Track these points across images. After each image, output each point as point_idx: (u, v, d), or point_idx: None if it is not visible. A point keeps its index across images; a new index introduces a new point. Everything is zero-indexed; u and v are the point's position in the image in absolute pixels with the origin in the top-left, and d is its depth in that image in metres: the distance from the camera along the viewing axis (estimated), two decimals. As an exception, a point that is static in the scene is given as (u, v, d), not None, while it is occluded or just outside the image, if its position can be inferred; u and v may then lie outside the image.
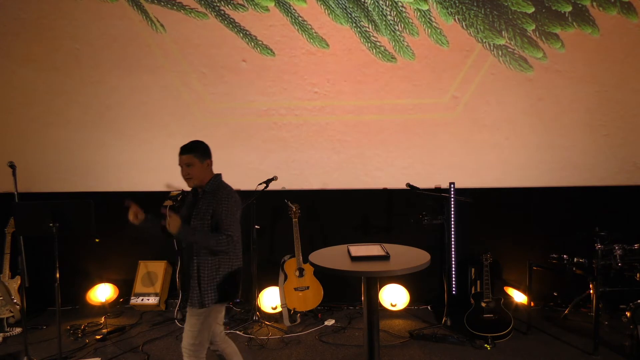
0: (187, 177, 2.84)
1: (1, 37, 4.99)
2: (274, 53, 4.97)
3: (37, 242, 4.45)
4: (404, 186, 4.67)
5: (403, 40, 4.91)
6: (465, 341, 4.08)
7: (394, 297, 4.80)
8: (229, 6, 4.92)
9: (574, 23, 4.83)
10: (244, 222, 4.89)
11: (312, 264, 2.65)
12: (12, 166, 3.81)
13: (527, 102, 4.93)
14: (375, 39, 4.92)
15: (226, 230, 2.75)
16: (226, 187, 2.90)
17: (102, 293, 5.01)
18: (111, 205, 5.03)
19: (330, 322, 4.55)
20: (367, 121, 5.02)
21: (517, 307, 4.75)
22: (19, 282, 4.55)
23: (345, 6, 4.89)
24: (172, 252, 4.92)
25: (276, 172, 4.74)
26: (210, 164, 2.93)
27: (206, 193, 2.85)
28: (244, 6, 4.92)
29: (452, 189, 4.85)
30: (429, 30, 4.88)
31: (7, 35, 4.99)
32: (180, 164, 2.85)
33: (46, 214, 3.43)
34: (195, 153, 2.85)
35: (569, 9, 4.81)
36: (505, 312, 4.20)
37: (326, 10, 4.90)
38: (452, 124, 4.98)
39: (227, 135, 5.08)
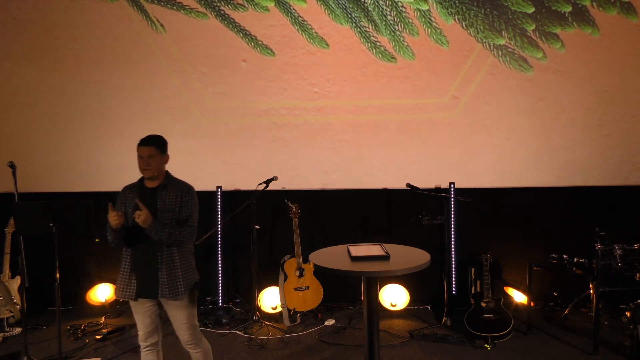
0: (145, 168, 2.89)
1: (1, 37, 4.99)
2: (274, 53, 4.97)
3: (37, 242, 4.44)
4: (404, 186, 4.66)
5: (403, 40, 4.91)
6: (465, 341, 4.08)
7: (394, 297, 4.80)
8: (229, 6, 4.92)
9: (574, 23, 4.83)
10: (244, 221, 4.92)
11: (312, 264, 2.65)
12: (12, 166, 3.81)
13: (527, 102, 4.93)
14: (375, 39, 4.92)
15: (192, 223, 2.91)
16: (184, 182, 3.02)
17: (102, 293, 5.01)
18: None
19: (330, 322, 4.55)
20: (367, 121, 5.02)
21: (517, 307, 4.75)
22: (19, 282, 4.55)
23: (345, 6, 4.89)
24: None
25: (276, 172, 4.74)
26: (167, 160, 3.02)
27: (167, 187, 2.92)
28: (244, 6, 4.92)
29: (452, 189, 4.85)
30: (429, 30, 4.88)
31: (7, 35, 4.99)
32: (140, 154, 2.90)
33: (46, 214, 3.43)
34: (157, 146, 2.94)
35: (569, 9, 4.81)
36: (505, 312, 4.20)
37: (326, 10, 4.90)
38: (452, 124, 4.98)
39: (227, 135, 5.08)
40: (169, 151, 5.09)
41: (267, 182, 4.60)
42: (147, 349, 2.97)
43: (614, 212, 4.83)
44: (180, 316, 2.89)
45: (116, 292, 2.93)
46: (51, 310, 4.88)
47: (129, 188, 3.00)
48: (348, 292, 5.03)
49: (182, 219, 2.88)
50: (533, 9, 4.81)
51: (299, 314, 4.66)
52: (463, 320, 4.20)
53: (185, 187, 2.97)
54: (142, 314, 2.91)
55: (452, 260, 4.86)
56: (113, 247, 2.92)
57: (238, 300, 5.10)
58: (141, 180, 3.00)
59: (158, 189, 2.91)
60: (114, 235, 2.84)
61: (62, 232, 3.45)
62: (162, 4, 4.94)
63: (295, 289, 4.69)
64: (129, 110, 5.06)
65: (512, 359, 3.77)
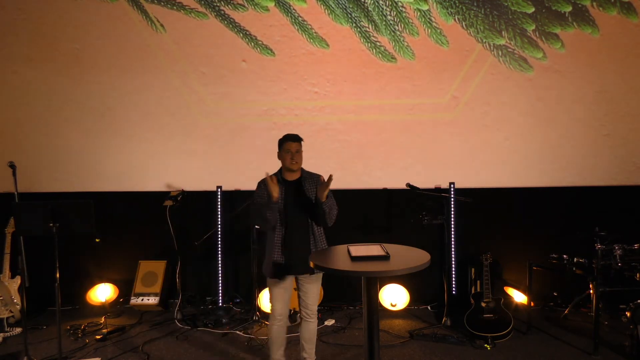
0: (295, 162, 3.24)
1: (1, 37, 4.99)
2: (274, 53, 4.97)
3: (37, 242, 4.45)
4: (404, 186, 4.66)
5: (403, 40, 4.91)
6: (465, 341, 4.08)
7: (394, 297, 4.79)
8: (229, 6, 4.92)
9: (574, 23, 4.83)
10: (244, 221, 4.92)
11: (312, 264, 2.64)
12: (12, 166, 3.81)
13: (527, 102, 4.93)
14: (375, 39, 4.92)
15: (335, 203, 3.27)
16: (314, 173, 3.40)
17: (102, 293, 5.01)
18: (111, 205, 5.06)
19: (330, 322, 4.55)
20: (367, 121, 5.02)
21: (517, 307, 4.75)
22: (19, 282, 4.55)
23: (345, 6, 4.89)
24: (172, 252, 4.93)
25: (276, 172, 4.73)
26: None
27: (306, 179, 3.31)
28: (244, 6, 4.92)
29: (452, 189, 4.85)
30: (429, 30, 4.88)
31: (7, 35, 4.99)
32: (290, 150, 3.24)
33: (46, 214, 3.43)
34: (301, 142, 3.31)
35: (569, 9, 4.81)
36: (505, 312, 4.20)
37: (326, 10, 4.90)
38: (452, 124, 4.98)
39: (227, 135, 5.08)
40: (169, 151, 5.14)
41: (267, 182, 4.59)
42: (280, 321, 3.31)
43: (614, 212, 4.82)
44: (315, 288, 3.28)
45: (265, 271, 3.27)
46: (51, 310, 4.88)
47: (279, 180, 3.26)
48: (348, 292, 5.03)
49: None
50: (533, 9, 4.81)
51: (299, 314, 4.65)
52: (463, 320, 4.20)
53: (318, 177, 3.35)
54: (283, 290, 3.26)
55: (452, 260, 4.86)
56: (263, 231, 3.22)
57: (238, 300, 5.10)
58: (276, 174, 3.31)
59: (300, 182, 3.29)
60: (274, 216, 3.12)
61: (62, 232, 3.45)
62: (162, 4, 4.94)
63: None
64: (128, 110, 5.07)
65: (512, 359, 3.77)
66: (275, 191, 3.08)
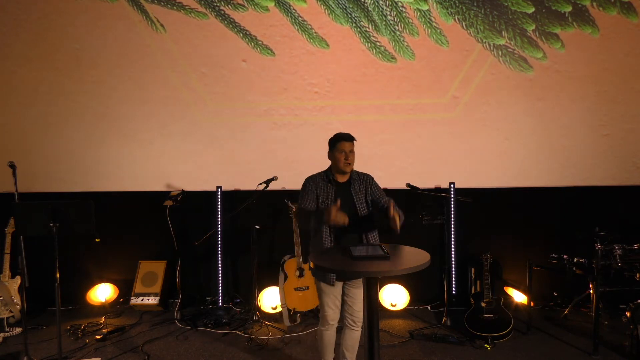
0: (348, 163, 3.05)
1: (1, 37, 5.00)
2: (274, 53, 4.97)
3: (37, 242, 4.45)
4: (404, 186, 4.66)
5: (403, 40, 4.91)
6: (465, 341, 4.08)
7: (394, 297, 4.80)
8: (229, 6, 4.92)
9: (574, 23, 4.83)
10: (244, 221, 4.92)
11: (313, 264, 2.64)
12: (12, 166, 3.81)
13: (527, 102, 4.93)
14: (375, 39, 4.92)
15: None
16: (361, 172, 3.22)
17: (102, 293, 5.02)
18: (111, 205, 5.06)
19: (330, 322, 4.55)
20: (367, 121, 5.02)
21: (517, 307, 4.75)
22: (19, 282, 4.55)
23: (345, 6, 4.89)
24: (172, 252, 4.93)
25: (276, 172, 4.74)
26: None
27: (356, 182, 3.13)
28: (244, 6, 4.92)
29: (452, 189, 4.85)
30: (429, 30, 4.88)
31: (7, 35, 4.99)
32: (344, 150, 3.04)
33: (46, 214, 3.43)
34: (354, 141, 3.09)
35: (569, 9, 4.81)
36: (505, 312, 4.20)
37: (326, 10, 4.90)
38: (452, 124, 4.98)
39: (227, 136, 5.08)
40: (170, 151, 5.14)
41: (267, 182, 4.60)
42: (333, 327, 3.17)
43: (614, 212, 4.83)
44: (360, 293, 3.06)
45: (320, 276, 3.05)
46: (51, 310, 4.88)
47: (320, 179, 3.14)
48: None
49: (382, 202, 3.07)
50: (533, 9, 4.81)
51: (299, 314, 4.66)
52: (463, 320, 4.20)
53: (366, 175, 3.19)
54: (334, 296, 3.07)
55: (452, 260, 4.86)
56: (304, 229, 3.06)
57: (238, 300, 5.10)
58: (326, 174, 3.14)
59: (350, 184, 3.11)
60: (326, 223, 2.91)
61: (62, 232, 3.45)
62: (162, 4, 4.94)
63: (295, 289, 4.68)
64: (128, 110, 5.07)
65: (512, 359, 3.77)
66: (343, 219, 2.83)
